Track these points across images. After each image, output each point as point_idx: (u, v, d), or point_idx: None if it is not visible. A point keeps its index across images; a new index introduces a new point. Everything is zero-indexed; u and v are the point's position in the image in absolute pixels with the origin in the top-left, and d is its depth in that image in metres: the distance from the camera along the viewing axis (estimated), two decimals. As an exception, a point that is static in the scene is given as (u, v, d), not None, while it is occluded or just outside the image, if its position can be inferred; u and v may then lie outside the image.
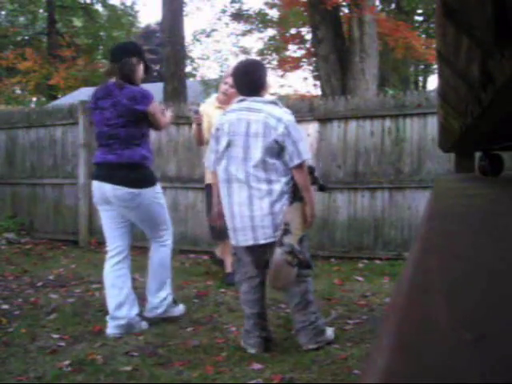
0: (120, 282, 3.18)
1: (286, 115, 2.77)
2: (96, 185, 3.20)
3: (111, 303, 3.15)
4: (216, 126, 2.88)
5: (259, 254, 2.80)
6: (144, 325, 3.22)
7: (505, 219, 0.69)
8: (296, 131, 2.76)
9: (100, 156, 3.20)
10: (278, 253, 2.63)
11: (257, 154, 2.70)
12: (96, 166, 3.26)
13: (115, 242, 3.25)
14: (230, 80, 4.25)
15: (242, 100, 2.83)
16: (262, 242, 2.74)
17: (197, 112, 4.15)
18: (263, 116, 2.72)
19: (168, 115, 3.42)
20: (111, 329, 3.11)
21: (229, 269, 4.36)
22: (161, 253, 3.36)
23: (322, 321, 2.89)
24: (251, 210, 2.72)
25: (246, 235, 2.75)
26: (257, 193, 2.70)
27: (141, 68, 3.23)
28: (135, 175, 3.13)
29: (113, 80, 3.15)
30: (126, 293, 3.17)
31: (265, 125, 2.70)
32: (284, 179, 2.73)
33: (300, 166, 2.73)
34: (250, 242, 2.76)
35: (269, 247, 2.73)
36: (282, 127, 2.70)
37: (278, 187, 2.71)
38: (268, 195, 2.70)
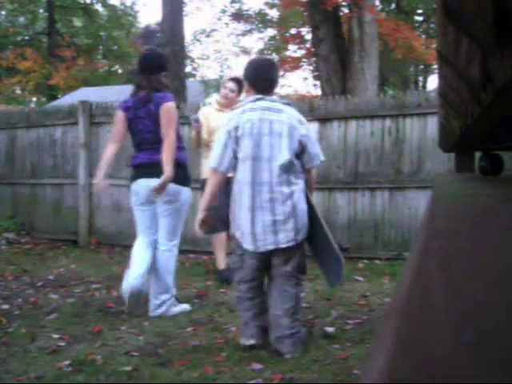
0: (146, 256, 3.37)
1: (302, 116, 2.78)
2: (142, 183, 3.37)
3: (133, 272, 3.30)
4: (233, 124, 2.68)
5: (270, 257, 2.72)
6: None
7: (505, 219, 0.69)
8: (311, 132, 2.81)
9: (144, 157, 3.39)
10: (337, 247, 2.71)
11: (284, 154, 2.62)
12: (138, 167, 3.42)
13: (148, 230, 3.47)
14: (229, 84, 4.30)
15: (258, 99, 2.71)
16: (283, 245, 2.64)
17: (197, 120, 4.30)
18: (286, 117, 2.66)
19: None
20: (125, 289, 3.27)
21: (222, 266, 4.38)
22: (167, 259, 3.46)
23: (303, 329, 2.87)
24: (273, 213, 2.62)
25: (266, 240, 2.63)
26: (279, 196, 2.62)
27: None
28: (181, 173, 3.36)
29: (143, 92, 3.36)
30: (147, 267, 3.35)
31: (289, 126, 2.64)
32: (302, 181, 2.71)
33: (313, 167, 2.78)
34: (271, 247, 2.65)
35: (284, 250, 2.68)
36: (304, 128, 2.69)
37: (297, 189, 2.66)
38: (289, 198, 2.63)
